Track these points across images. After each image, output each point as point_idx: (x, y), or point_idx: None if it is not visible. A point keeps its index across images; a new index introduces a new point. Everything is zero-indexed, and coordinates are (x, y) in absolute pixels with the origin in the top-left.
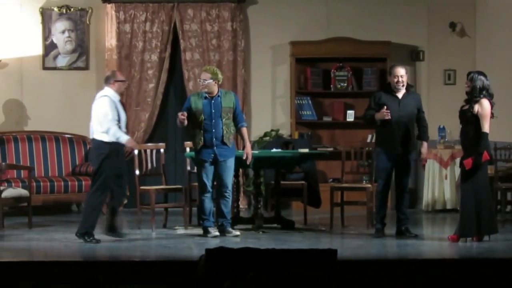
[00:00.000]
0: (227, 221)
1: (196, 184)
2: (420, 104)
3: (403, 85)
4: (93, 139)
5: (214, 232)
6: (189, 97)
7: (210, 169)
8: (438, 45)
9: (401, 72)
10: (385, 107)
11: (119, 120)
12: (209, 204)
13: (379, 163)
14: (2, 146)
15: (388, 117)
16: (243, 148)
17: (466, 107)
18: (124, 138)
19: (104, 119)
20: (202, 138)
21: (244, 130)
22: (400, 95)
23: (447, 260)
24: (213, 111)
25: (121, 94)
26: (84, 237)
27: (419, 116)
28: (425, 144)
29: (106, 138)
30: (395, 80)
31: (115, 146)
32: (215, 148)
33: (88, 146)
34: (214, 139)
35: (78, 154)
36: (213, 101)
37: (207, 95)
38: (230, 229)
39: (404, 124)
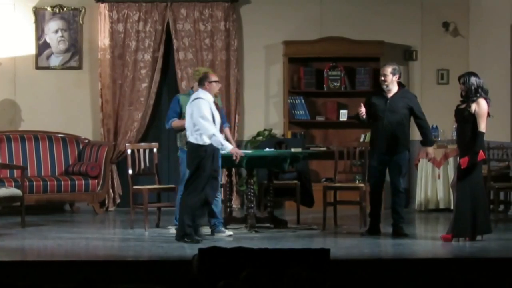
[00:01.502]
0: (219, 221)
1: None
2: (413, 104)
3: (387, 84)
4: (188, 142)
5: (206, 232)
6: (176, 98)
7: None
8: (431, 44)
9: (384, 70)
10: (362, 104)
11: (213, 122)
12: None
13: (370, 162)
14: None
15: (362, 112)
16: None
17: (463, 106)
18: (228, 147)
19: (203, 122)
20: None
21: (228, 131)
22: (390, 94)
23: (440, 259)
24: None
25: (215, 96)
26: (184, 239)
27: (416, 122)
28: (430, 149)
29: (201, 141)
30: (380, 78)
31: (211, 148)
32: None
33: (81, 145)
34: None
35: (71, 153)
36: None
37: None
38: (222, 229)
39: (391, 124)
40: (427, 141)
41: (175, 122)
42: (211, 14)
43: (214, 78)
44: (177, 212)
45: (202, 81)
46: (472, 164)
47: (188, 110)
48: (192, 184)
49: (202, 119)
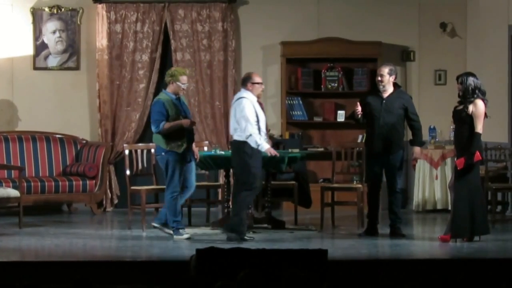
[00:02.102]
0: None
1: None
2: (408, 105)
3: (383, 85)
4: (234, 141)
5: (186, 234)
6: (160, 101)
7: (188, 169)
8: (429, 45)
9: (381, 71)
10: (358, 103)
11: (258, 122)
12: (179, 205)
13: (367, 163)
14: None
15: (359, 112)
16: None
17: (460, 107)
18: (264, 147)
19: (243, 123)
20: (185, 139)
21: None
22: (385, 95)
23: (438, 260)
24: (185, 110)
25: (258, 96)
26: (239, 237)
27: (409, 123)
28: (417, 149)
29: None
30: (376, 78)
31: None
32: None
33: (79, 146)
34: (189, 139)
35: (69, 154)
36: (180, 102)
37: (179, 96)
38: (167, 229)
39: (387, 124)
40: (416, 141)
41: (167, 125)
42: (209, 15)
43: (257, 79)
44: (163, 213)
45: (245, 82)
46: (469, 165)
47: (231, 111)
48: (242, 181)
49: (242, 118)
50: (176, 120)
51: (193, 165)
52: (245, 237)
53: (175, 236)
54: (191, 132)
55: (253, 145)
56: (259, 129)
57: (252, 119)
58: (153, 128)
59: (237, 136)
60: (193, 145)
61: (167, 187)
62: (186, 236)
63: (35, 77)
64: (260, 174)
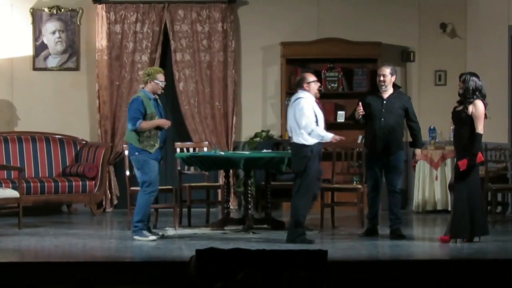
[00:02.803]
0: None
1: (187, 185)
2: (408, 105)
3: (385, 85)
4: (293, 143)
5: (152, 236)
6: (139, 99)
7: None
8: (429, 46)
9: (384, 71)
10: (360, 103)
11: (316, 120)
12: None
13: (367, 163)
14: None
15: (362, 112)
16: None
17: (460, 108)
18: (328, 136)
19: (303, 121)
20: (158, 139)
21: None
22: (385, 95)
23: (437, 261)
24: (161, 112)
25: (315, 95)
26: (298, 239)
27: (409, 124)
28: (418, 151)
29: (306, 141)
30: (378, 79)
31: (317, 148)
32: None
33: (79, 146)
34: (162, 140)
35: (69, 155)
36: (158, 102)
37: (156, 96)
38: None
39: (387, 125)
40: (416, 143)
41: (143, 124)
42: (209, 15)
43: (311, 78)
44: (138, 211)
45: (301, 83)
46: (471, 166)
47: (289, 112)
48: (301, 185)
49: (302, 117)
50: (153, 119)
51: (160, 164)
52: (308, 239)
53: (136, 237)
54: (165, 133)
55: (317, 139)
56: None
57: (311, 117)
58: (129, 126)
59: (297, 139)
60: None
61: (147, 186)
62: (152, 238)
63: (35, 77)
64: (317, 182)
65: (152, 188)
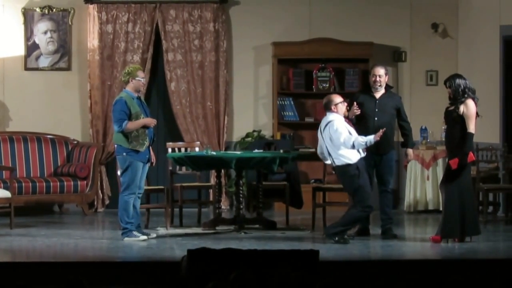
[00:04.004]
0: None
1: (178, 185)
2: (400, 105)
3: (381, 85)
4: (337, 167)
5: (143, 236)
6: (122, 100)
7: (144, 170)
8: (420, 46)
9: (380, 71)
10: (355, 103)
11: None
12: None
13: None
14: None
15: (358, 112)
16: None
17: (452, 108)
18: (370, 139)
19: (341, 139)
20: (147, 137)
21: None
22: (378, 95)
23: (429, 260)
24: (145, 110)
25: (344, 115)
26: (335, 237)
27: (400, 123)
28: (410, 151)
29: (350, 160)
30: (373, 79)
31: (361, 163)
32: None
33: (70, 146)
34: (149, 138)
35: (60, 154)
36: (141, 101)
37: (140, 96)
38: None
39: (381, 124)
40: (408, 143)
41: (130, 124)
42: (200, 15)
43: (338, 99)
44: (121, 215)
45: (328, 105)
46: (462, 165)
47: (324, 136)
48: (357, 201)
49: (340, 136)
50: (138, 118)
51: (147, 167)
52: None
53: (126, 238)
54: (152, 132)
55: (362, 147)
56: None
57: (347, 133)
58: (115, 127)
59: (339, 161)
60: (151, 150)
61: (125, 188)
62: (143, 238)
63: (26, 77)
64: (369, 191)
65: (130, 191)
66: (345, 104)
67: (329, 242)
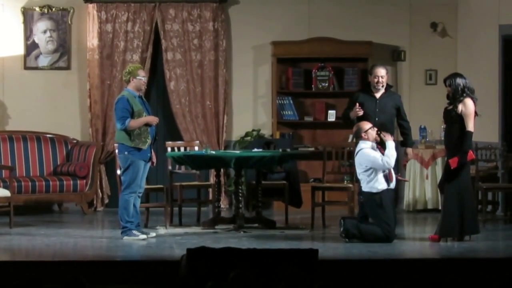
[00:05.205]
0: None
1: (178, 184)
2: (399, 104)
3: (382, 86)
4: (364, 192)
5: (142, 235)
6: (124, 98)
7: (145, 169)
8: (420, 45)
9: (381, 72)
10: (357, 104)
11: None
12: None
13: None
14: None
15: (361, 113)
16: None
17: (450, 107)
18: (391, 157)
19: (370, 162)
20: (149, 135)
21: None
22: (378, 95)
23: (428, 259)
24: (147, 108)
25: (373, 140)
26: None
27: (400, 122)
28: (410, 150)
29: (376, 189)
30: (375, 80)
31: (386, 195)
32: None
33: (70, 146)
34: (152, 136)
35: (60, 154)
36: (143, 99)
37: (141, 94)
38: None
39: (381, 124)
40: (407, 142)
41: (132, 122)
42: (200, 15)
43: (367, 126)
44: (122, 213)
45: (359, 134)
46: (462, 164)
47: (356, 163)
48: (379, 222)
49: (371, 161)
50: (141, 116)
51: (148, 166)
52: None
53: (125, 237)
54: (154, 130)
55: (392, 161)
56: None
57: (378, 158)
58: (118, 126)
59: (368, 188)
60: (152, 151)
61: (126, 187)
62: (142, 237)
63: (26, 76)
64: (393, 220)
65: (131, 189)
66: (375, 129)
67: (329, 241)
